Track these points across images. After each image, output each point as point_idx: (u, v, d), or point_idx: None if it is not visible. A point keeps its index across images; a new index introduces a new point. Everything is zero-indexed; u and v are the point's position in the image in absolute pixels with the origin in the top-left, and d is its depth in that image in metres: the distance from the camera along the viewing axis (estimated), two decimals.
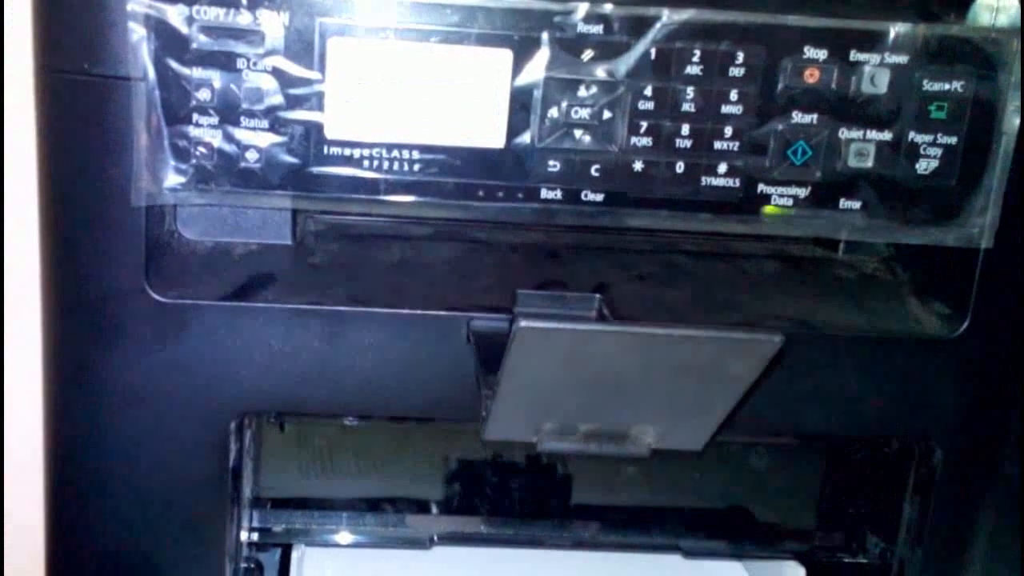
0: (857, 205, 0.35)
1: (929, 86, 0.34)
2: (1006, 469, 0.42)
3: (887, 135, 0.35)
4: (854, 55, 0.34)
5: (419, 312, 0.36)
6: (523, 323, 0.26)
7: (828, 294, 0.40)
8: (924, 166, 0.35)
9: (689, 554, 0.47)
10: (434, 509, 0.47)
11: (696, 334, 0.27)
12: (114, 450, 0.37)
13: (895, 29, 0.34)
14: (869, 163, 0.35)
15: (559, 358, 0.27)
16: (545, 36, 0.33)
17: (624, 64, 0.33)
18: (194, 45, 0.32)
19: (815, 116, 0.34)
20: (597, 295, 0.37)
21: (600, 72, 0.33)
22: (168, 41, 0.32)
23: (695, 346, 0.27)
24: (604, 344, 0.27)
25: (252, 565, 0.43)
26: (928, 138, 0.35)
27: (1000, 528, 0.43)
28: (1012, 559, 0.44)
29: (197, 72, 0.32)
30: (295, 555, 0.45)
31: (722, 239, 0.42)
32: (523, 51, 0.33)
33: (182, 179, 0.33)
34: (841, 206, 0.35)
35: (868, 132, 0.35)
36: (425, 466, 0.47)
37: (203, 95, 0.32)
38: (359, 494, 0.46)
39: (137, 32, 0.32)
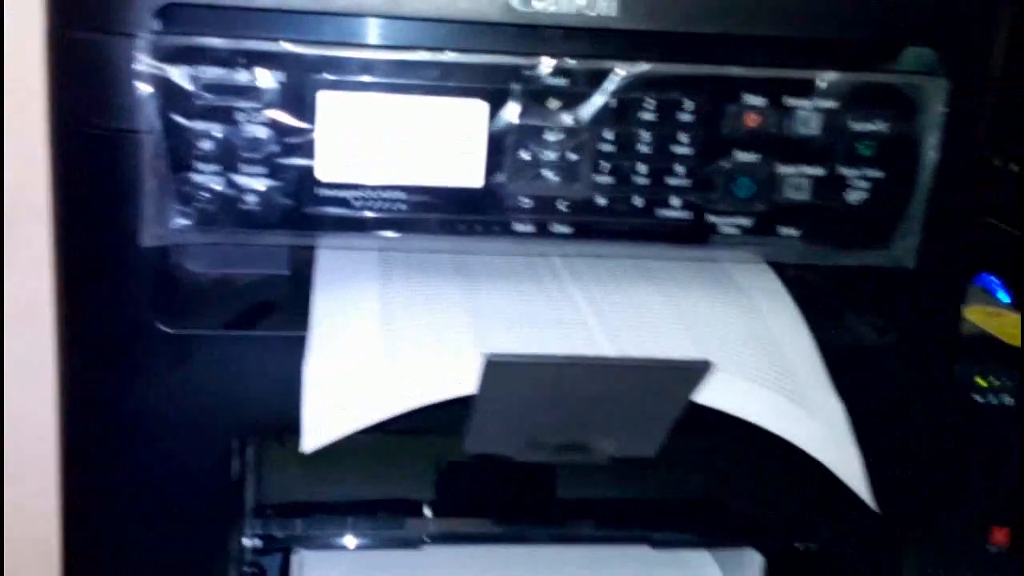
0: (796, 233, 0.40)
1: (857, 127, 0.38)
2: (935, 469, 0.47)
3: (820, 171, 0.39)
4: (788, 101, 0.38)
5: None
6: (490, 358, 0.30)
7: None
8: (855, 197, 0.40)
9: (658, 545, 0.51)
10: (425, 511, 0.50)
11: (635, 364, 0.32)
12: (125, 467, 0.40)
13: (824, 77, 0.38)
14: (806, 195, 0.39)
15: (524, 385, 0.31)
16: (516, 88, 0.36)
17: (586, 111, 0.37)
18: (197, 101, 0.35)
19: (756, 155, 0.38)
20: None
21: (566, 119, 0.37)
22: (172, 97, 0.35)
23: (635, 373, 0.31)
24: (560, 373, 0.31)
25: (255, 570, 0.47)
26: (857, 172, 0.39)
27: (930, 527, 0.47)
28: (945, 554, 0.49)
29: (199, 124, 0.35)
30: (295, 559, 0.48)
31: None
32: (497, 101, 0.36)
33: (187, 221, 0.36)
34: (782, 233, 0.39)
35: (804, 168, 0.39)
36: (414, 473, 0.50)
37: (205, 145, 0.36)
38: (353, 499, 0.49)
39: (143, 89, 0.35)
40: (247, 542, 0.45)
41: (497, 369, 0.30)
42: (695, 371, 0.31)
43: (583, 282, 0.40)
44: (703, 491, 0.52)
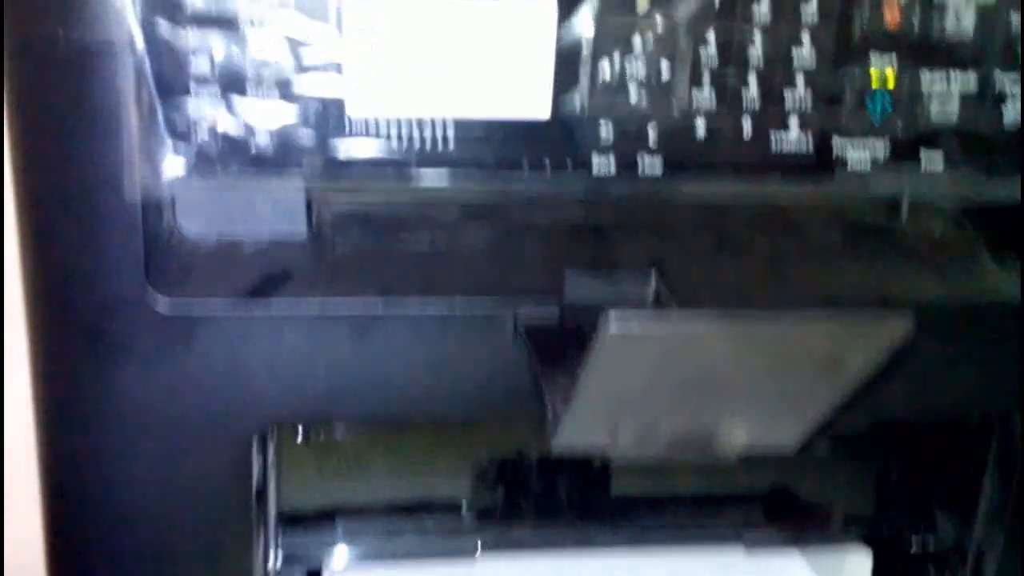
0: (939, 160, 0.32)
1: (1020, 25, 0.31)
2: None
3: (972, 82, 0.31)
4: None
5: (458, 302, 0.32)
6: (614, 329, 0.21)
7: (898, 263, 0.37)
8: (1013, 115, 0.32)
9: (751, 546, 0.44)
10: (474, 515, 0.43)
11: (818, 323, 0.23)
12: (122, 476, 0.33)
13: None
14: (953, 114, 0.31)
15: (652, 358, 0.23)
16: None
17: (683, 8, 0.29)
18: (190, 2, 0.27)
19: (895, 62, 0.31)
20: (652, 270, 0.34)
21: (657, 18, 0.29)
22: None
23: (815, 336, 0.23)
24: (708, 341, 0.23)
25: None
26: (1017, 84, 0.31)
27: None
28: None
29: (194, 35, 0.28)
30: (326, 573, 0.41)
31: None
32: (567, 1, 0.29)
33: (182, 166, 0.29)
34: (923, 162, 0.32)
35: (952, 78, 0.31)
36: (459, 470, 0.43)
37: (202, 63, 0.28)
38: (391, 502, 0.42)
39: None
40: (274, 559, 0.38)
41: (621, 341, 0.22)
42: (892, 329, 0.24)
43: None
44: (791, 484, 0.45)
